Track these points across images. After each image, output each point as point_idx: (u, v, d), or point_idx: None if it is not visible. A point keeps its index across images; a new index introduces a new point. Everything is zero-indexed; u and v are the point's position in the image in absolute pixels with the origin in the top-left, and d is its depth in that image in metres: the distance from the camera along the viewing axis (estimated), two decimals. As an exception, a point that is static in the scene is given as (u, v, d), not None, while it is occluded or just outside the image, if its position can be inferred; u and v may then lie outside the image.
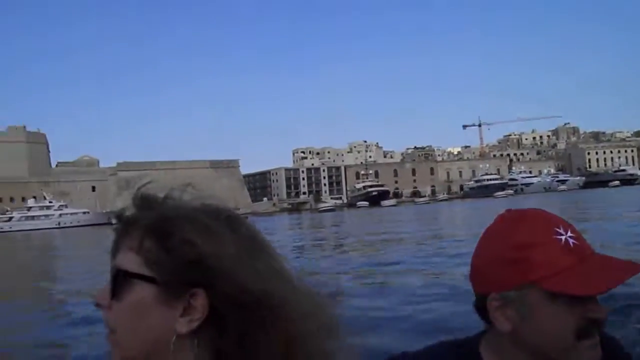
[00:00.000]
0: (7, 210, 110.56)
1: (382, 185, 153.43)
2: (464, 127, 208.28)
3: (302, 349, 0.83)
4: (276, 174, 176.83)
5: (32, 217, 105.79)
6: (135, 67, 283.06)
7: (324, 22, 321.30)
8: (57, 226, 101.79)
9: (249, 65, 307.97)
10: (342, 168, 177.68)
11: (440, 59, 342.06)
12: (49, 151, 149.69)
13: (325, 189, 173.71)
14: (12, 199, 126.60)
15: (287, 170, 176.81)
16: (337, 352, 0.86)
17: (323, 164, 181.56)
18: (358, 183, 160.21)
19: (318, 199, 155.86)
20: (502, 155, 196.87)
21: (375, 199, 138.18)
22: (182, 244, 0.81)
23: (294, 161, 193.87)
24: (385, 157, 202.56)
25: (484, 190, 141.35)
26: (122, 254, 0.84)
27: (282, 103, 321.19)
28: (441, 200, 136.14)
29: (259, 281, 0.81)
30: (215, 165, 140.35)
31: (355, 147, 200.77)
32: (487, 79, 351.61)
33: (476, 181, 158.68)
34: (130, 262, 0.82)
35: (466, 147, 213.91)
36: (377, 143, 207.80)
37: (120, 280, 0.82)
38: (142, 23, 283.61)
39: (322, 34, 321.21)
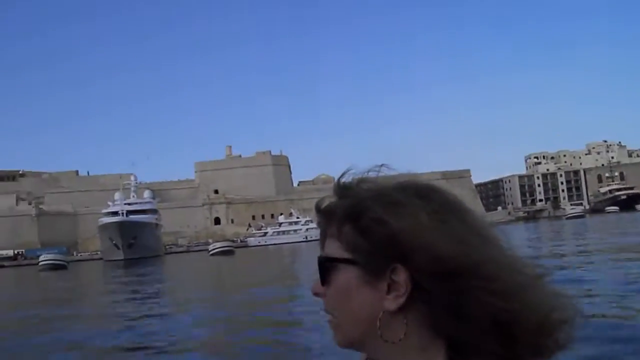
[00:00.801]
0: (262, 226, 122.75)
1: (631, 188, 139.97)
2: None
3: (520, 324, 0.80)
4: (509, 181, 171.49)
5: (283, 232, 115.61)
6: (354, 81, 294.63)
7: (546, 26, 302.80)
8: (304, 240, 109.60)
9: (475, 72, 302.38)
10: (581, 172, 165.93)
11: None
12: (290, 172, 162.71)
13: (563, 195, 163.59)
14: (263, 216, 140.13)
15: (520, 177, 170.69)
16: (563, 332, 0.82)
17: (559, 168, 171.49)
18: (602, 187, 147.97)
19: (556, 206, 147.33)
20: None
21: (625, 203, 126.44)
22: (374, 224, 0.83)
23: (527, 167, 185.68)
24: (630, 156, 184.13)
25: None
26: (327, 243, 0.90)
27: (510, 107, 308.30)
28: None
29: (458, 250, 0.81)
30: (447, 176, 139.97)
31: (594, 148, 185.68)
32: None
33: None
34: (333, 248, 0.88)
35: None
36: (620, 142, 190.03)
37: (327, 266, 0.88)
38: (363, 32, 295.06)
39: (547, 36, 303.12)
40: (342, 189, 0.91)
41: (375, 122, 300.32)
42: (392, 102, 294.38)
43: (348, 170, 0.93)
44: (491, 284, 0.79)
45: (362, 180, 0.90)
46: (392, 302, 0.83)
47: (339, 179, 0.92)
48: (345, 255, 0.86)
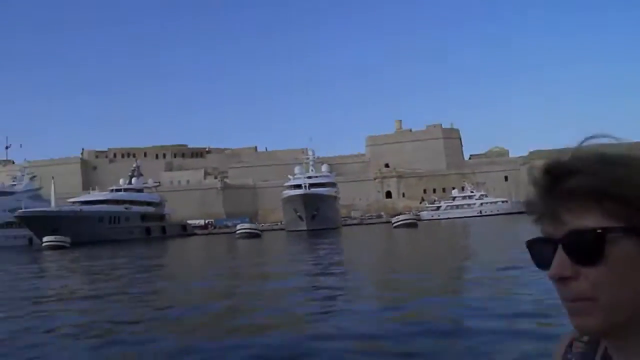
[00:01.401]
0: (435, 200, 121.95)
1: None
2: None
3: None
4: None
5: (456, 207, 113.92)
6: (526, 50, 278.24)
7: None
8: (479, 214, 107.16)
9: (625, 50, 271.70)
10: None
11: None
12: (461, 145, 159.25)
13: None
14: (434, 190, 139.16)
15: None
16: None
17: None
18: None
19: None
20: None
21: None
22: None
23: None
24: None
25: None
26: (572, 218, 0.83)
27: None
28: None
29: None
30: None
31: None
32: None
33: None
34: (597, 221, 0.81)
35: None
36: None
37: (595, 242, 0.80)
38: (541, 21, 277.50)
39: None
40: (570, 163, 0.84)
41: (546, 91, 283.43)
42: (569, 70, 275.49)
43: (567, 147, 0.87)
44: None
45: (589, 154, 0.85)
46: None
47: (548, 160, 0.87)
48: (622, 224, 0.79)
